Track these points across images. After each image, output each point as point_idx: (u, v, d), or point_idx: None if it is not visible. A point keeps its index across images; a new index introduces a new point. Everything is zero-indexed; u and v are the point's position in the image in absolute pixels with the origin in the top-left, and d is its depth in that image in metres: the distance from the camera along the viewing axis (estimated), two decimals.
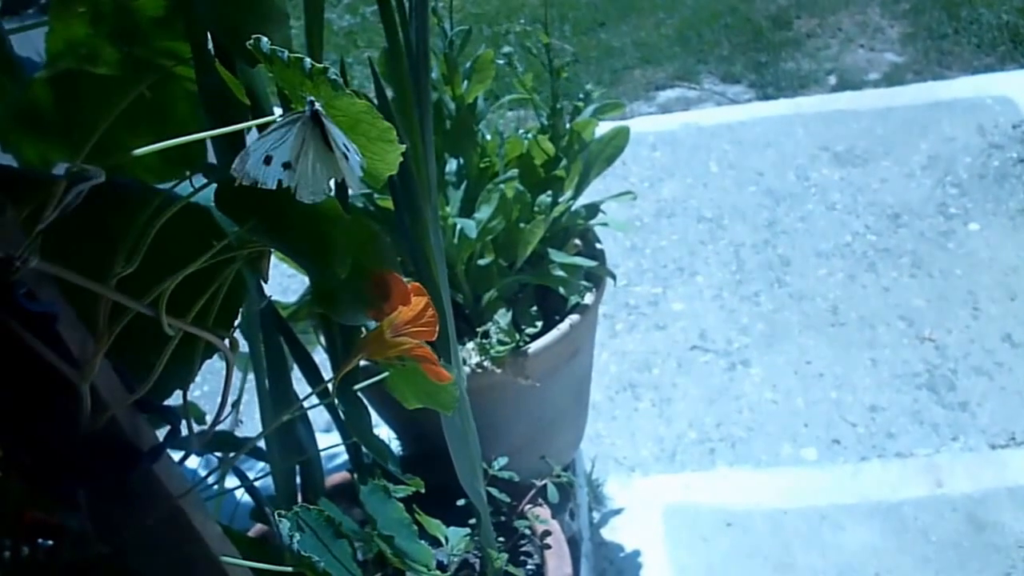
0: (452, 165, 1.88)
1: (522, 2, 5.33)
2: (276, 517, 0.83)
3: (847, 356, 2.80)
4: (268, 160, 0.67)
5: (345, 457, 1.67)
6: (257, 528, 1.65)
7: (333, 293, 0.88)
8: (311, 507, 0.86)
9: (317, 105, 0.66)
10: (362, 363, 1.32)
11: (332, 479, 1.80)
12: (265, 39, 0.64)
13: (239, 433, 1.34)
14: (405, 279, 0.89)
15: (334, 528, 0.87)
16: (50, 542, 0.97)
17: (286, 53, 0.64)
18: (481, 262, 1.83)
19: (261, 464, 1.59)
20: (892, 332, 2.85)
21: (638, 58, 4.66)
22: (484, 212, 1.77)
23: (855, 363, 2.77)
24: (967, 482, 2.37)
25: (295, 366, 1.42)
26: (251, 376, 1.49)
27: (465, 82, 1.83)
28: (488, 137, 1.92)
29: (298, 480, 1.47)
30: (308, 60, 0.63)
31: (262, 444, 1.43)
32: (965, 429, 2.52)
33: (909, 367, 2.72)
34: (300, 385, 1.39)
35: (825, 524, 2.33)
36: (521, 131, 1.98)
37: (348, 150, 0.67)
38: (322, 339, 1.66)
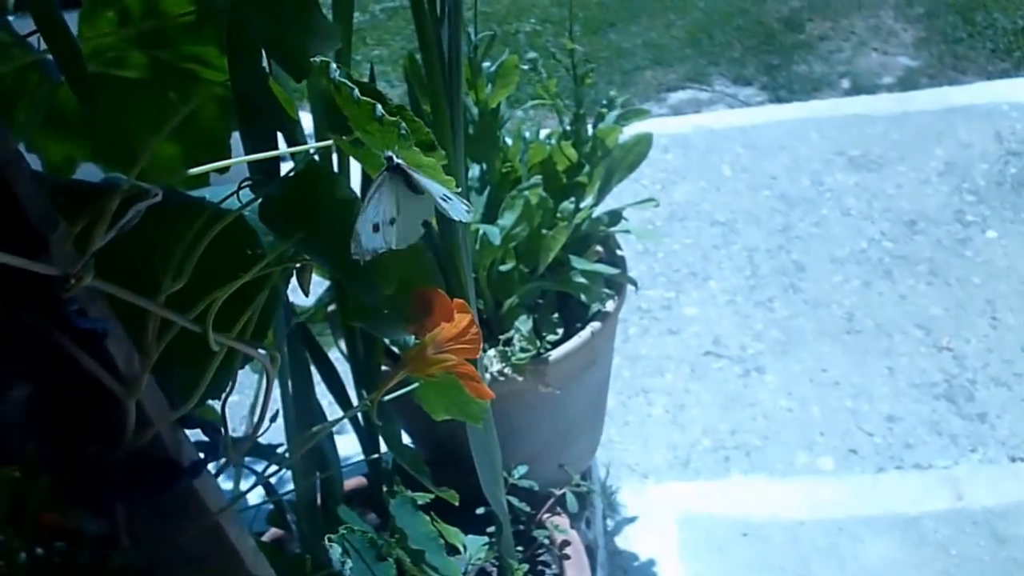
0: (475, 171, 1.86)
1: (532, 2, 5.32)
2: (327, 541, 0.82)
3: (863, 364, 2.78)
4: (376, 228, 0.69)
5: (357, 458, 1.66)
6: (272, 532, 1.64)
7: (375, 308, 0.87)
8: (355, 530, 0.85)
9: (397, 160, 0.68)
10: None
11: (347, 483, 1.79)
12: (334, 65, 0.63)
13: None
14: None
15: (377, 550, 0.86)
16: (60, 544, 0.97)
17: (356, 91, 0.63)
18: (503, 268, 1.81)
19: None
20: (909, 341, 2.83)
21: (649, 59, 4.65)
22: (508, 218, 1.75)
23: (872, 372, 2.76)
24: (987, 495, 2.36)
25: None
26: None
27: (488, 87, 1.81)
28: (510, 142, 1.90)
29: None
30: (379, 107, 0.63)
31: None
32: (984, 441, 2.50)
33: (927, 377, 2.71)
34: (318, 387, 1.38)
35: (843, 536, 2.32)
36: (543, 135, 1.97)
37: (442, 194, 0.69)
38: (342, 344, 1.65)
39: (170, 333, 0.67)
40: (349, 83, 0.64)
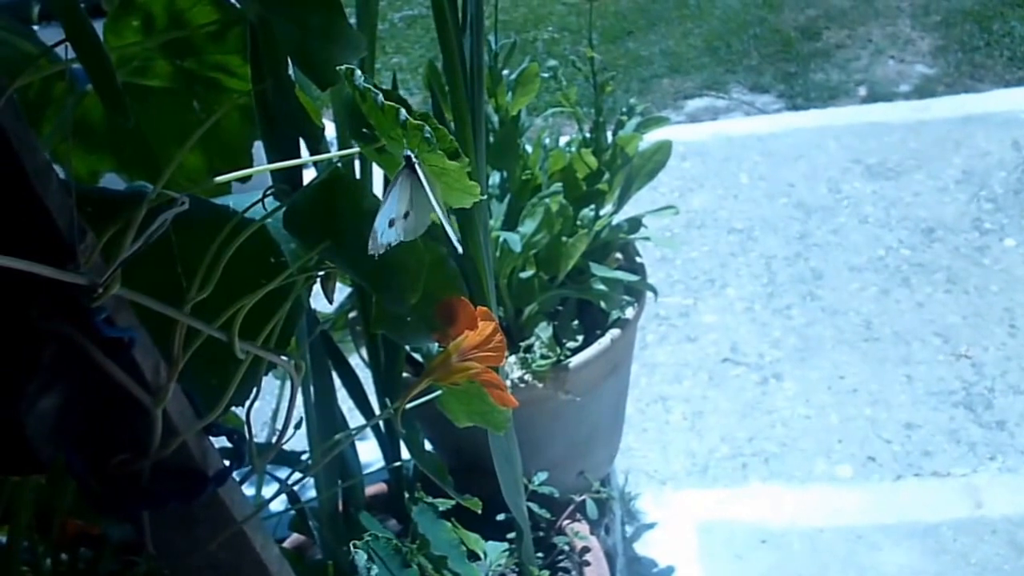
0: (495, 178, 1.87)
1: (549, 10, 5.32)
2: (353, 548, 0.82)
3: (881, 372, 2.78)
4: (391, 223, 0.70)
5: (377, 465, 1.66)
6: (293, 538, 1.64)
7: (399, 316, 0.87)
8: (379, 536, 0.85)
9: (415, 160, 0.69)
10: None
11: (367, 489, 1.79)
12: (359, 72, 0.64)
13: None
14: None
15: (402, 557, 0.86)
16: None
17: (380, 97, 0.64)
18: (523, 276, 1.82)
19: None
20: (927, 348, 2.82)
21: (666, 67, 4.64)
22: (528, 226, 1.76)
23: (890, 379, 2.75)
24: (1007, 504, 2.35)
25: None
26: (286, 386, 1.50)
27: (509, 94, 1.82)
28: (529, 150, 1.90)
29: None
30: (403, 112, 0.63)
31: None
32: (1003, 449, 2.49)
33: (945, 384, 2.70)
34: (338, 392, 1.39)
35: (862, 544, 2.31)
36: (563, 143, 1.97)
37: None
38: (363, 352, 1.65)
39: (196, 342, 0.67)
40: (375, 89, 0.64)
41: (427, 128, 0.64)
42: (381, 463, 1.64)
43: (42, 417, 0.57)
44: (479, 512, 1.25)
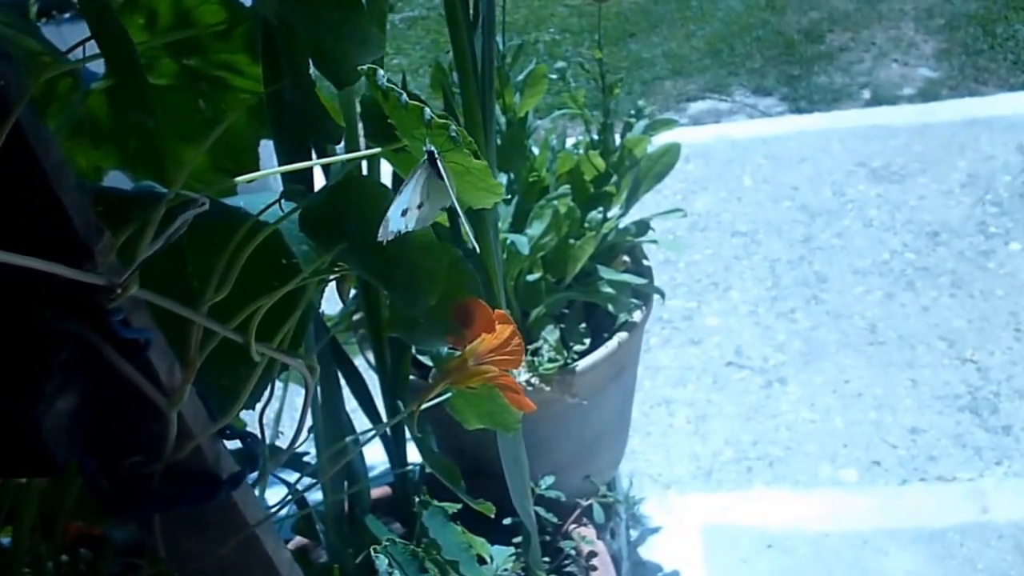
0: (502, 180, 1.86)
1: (551, 12, 5.32)
2: (373, 552, 0.82)
3: (886, 376, 2.77)
4: (404, 212, 0.68)
5: (381, 468, 1.66)
6: (296, 541, 1.63)
7: (412, 319, 0.86)
8: (396, 541, 0.84)
9: (436, 154, 0.68)
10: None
11: (372, 493, 1.79)
12: (381, 72, 0.63)
13: (280, 445, 1.33)
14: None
15: (419, 562, 0.86)
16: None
17: (404, 96, 0.63)
18: (530, 278, 1.81)
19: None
20: (932, 352, 2.82)
21: (668, 69, 4.64)
22: (536, 228, 1.75)
23: (895, 383, 2.74)
24: (1013, 509, 2.34)
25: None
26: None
27: (517, 96, 1.81)
28: (536, 152, 1.90)
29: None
30: (428, 111, 0.63)
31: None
32: (1009, 453, 2.48)
33: (950, 389, 2.69)
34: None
35: (867, 548, 2.30)
36: (569, 144, 1.96)
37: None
38: (369, 355, 1.64)
39: (211, 344, 0.67)
40: (398, 88, 0.64)
41: (452, 127, 0.64)
42: (385, 466, 1.64)
43: (58, 418, 0.56)
44: (492, 516, 1.24)
